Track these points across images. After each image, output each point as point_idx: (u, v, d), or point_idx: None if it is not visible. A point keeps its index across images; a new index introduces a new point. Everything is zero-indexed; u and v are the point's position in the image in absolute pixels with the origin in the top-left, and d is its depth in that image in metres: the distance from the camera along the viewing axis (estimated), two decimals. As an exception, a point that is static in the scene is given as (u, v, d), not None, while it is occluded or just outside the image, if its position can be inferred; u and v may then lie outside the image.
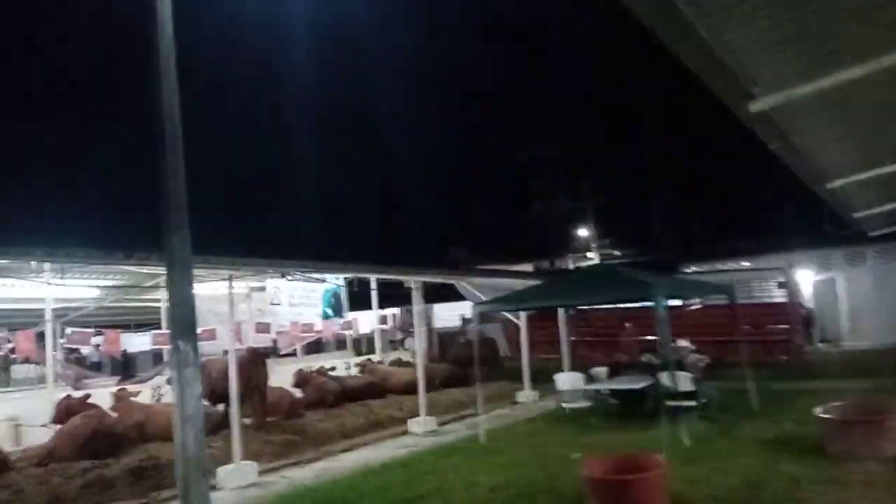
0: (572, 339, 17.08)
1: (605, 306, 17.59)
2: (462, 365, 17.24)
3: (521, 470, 8.80)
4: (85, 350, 16.08)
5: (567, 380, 12.98)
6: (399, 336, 21.91)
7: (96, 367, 17.33)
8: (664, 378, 10.49)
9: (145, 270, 14.12)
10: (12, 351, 12.71)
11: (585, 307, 17.14)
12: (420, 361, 13.70)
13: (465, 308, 23.56)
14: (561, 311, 16.51)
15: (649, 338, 15.87)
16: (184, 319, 6.91)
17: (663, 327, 9.61)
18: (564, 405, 12.69)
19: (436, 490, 8.23)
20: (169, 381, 12.48)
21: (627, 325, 17.19)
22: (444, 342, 21.56)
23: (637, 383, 11.95)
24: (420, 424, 12.78)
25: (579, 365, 15.33)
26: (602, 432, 11.00)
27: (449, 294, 21.39)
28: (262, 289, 16.49)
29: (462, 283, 17.13)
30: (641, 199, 35.98)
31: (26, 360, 15.43)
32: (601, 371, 13.51)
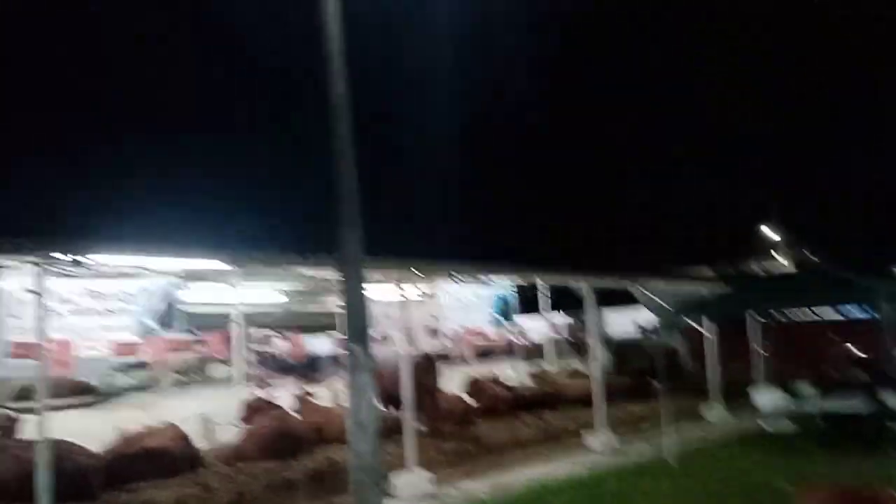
0: (766, 351, 15.44)
1: (807, 315, 15.76)
2: (641, 377, 16.14)
3: (722, 500, 7.83)
4: (272, 352, 16.89)
5: (767, 397, 11.61)
6: (570, 342, 21.10)
7: (283, 369, 18.14)
8: (891, 398, 8.99)
9: (324, 274, 14.57)
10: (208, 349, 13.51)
11: (783, 316, 15.43)
12: (597, 372, 12.91)
13: (639, 315, 22.27)
14: (752, 320, 14.97)
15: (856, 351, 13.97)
16: (357, 323, 6.77)
17: (892, 337, 8.21)
18: (764, 425, 11.35)
19: (624, 516, 7.50)
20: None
21: (833, 335, 15.27)
22: (619, 352, 20.45)
23: (854, 403, 10.39)
24: (598, 440, 12.00)
25: (776, 380, 13.77)
26: (812, 459, 9.65)
27: (621, 300, 20.28)
28: (433, 294, 16.43)
29: (639, 289, 16.08)
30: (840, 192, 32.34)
31: (220, 361, 16.44)
32: (806, 388, 11.96)
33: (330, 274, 12.92)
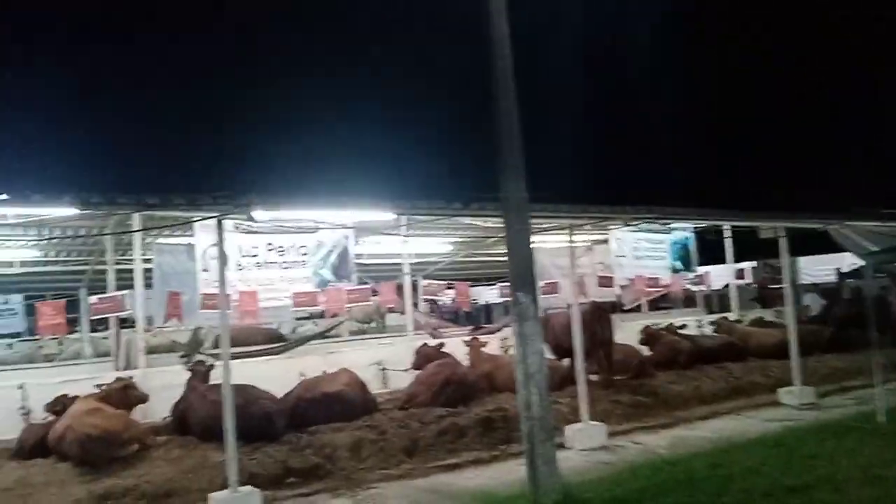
0: None
1: None
2: (843, 327, 14.51)
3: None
4: (442, 301, 17.14)
5: None
6: (759, 290, 19.47)
7: (453, 318, 18.40)
8: None
9: (489, 224, 14.36)
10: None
11: None
12: (791, 321, 11.70)
13: (839, 261, 20.02)
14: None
15: None
16: (522, 271, 6.44)
17: None
18: None
19: (825, 480, 6.66)
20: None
21: None
22: (818, 300, 18.57)
23: None
24: (794, 395, 10.92)
25: None
26: None
27: (815, 245, 18.25)
28: (605, 241, 15.68)
29: (841, 231, 14.30)
30: None
31: (392, 310, 16.93)
32: None
33: (497, 221, 12.79)
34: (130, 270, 13.55)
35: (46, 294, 15.41)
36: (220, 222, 7.02)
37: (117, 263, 13.30)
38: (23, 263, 14.30)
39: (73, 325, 21.38)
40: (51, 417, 8.42)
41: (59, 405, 8.38)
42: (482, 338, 12.22)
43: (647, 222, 11.86)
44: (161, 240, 13.59)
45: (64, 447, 7.58)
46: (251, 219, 6.73)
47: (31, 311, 17.29)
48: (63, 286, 15.85)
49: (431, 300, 16.62)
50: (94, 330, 16.88)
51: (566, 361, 11.35)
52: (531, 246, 6.34)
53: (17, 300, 18.10)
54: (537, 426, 6.25)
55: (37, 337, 22.69)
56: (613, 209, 9.75)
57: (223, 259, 7.06)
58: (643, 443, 9.21)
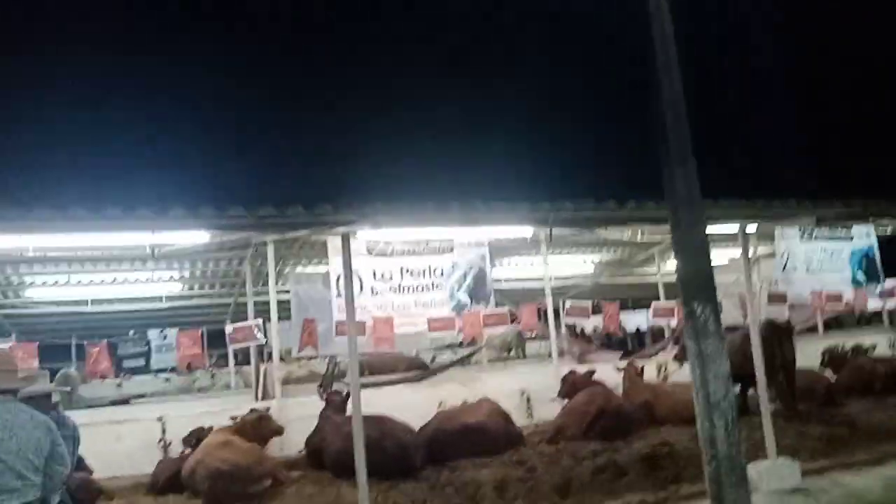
0: None
1: None
2: None
3: None
4: (587, 327, 15.99)
5: None
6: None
7: (600, 343, 17.14)
8: None
9: (640, 239, 13.14)
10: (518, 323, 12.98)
11: None
12: None
13: None
14: None
15: None
16: (697, 276, 5.32)
17: None
18: None
19: None
20: (679, 357, 11.21)
21: None
22: None
23: None
24: None
25: None
26: None
27: None
28: (771, 255, 14.02)
29: None
30: None
31: (533, 335, 15.96)
32: None
33: (652, 236, 11.53)
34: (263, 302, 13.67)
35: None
36: (346, 239, 6.42)
37: (257, 294, 13.30)
38: (168, 298, 14.67)
39: (223, 357, 22.13)
40: (187, 451, 8.16)
41: (194, 438, 8.10)
42: (638, 364, 10.96)
43: (832, 224, 10.20)
44: (299, 269, 13.52)
45: (195, 482, 7.22)
46: (376, 224, 6.00)
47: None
48: (209, 319, 16.18)
49: (575, 324, 15.50)
50: (246, 362, 17.20)
51: (737, 388, 9.94)
52: (707, 245, 5.22)
53: (174, 335, 18.87)
54: (725, 466, 5.08)
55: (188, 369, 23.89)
56: (804, 208, 8.08)
57: (349, 280, 6.45)
58: (846, 484, 7.64)
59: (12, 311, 13.62)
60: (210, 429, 8.19)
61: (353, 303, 6.49)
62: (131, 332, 23.56)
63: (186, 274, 13.69)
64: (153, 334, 21.13)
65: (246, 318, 12.93)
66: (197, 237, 8.40)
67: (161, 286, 13.94)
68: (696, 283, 5.14)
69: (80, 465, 7.90)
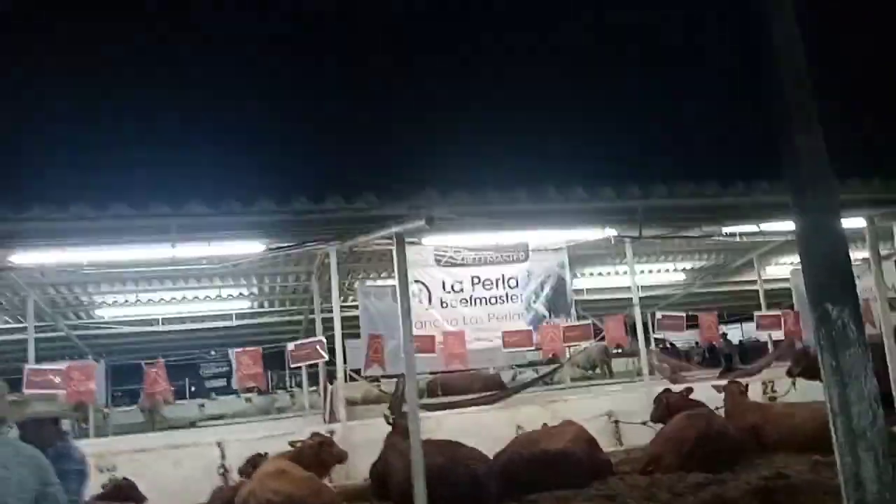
0: None
1: None
2: None
3: None
4: (677, 342, 14.73)
5: None
6: None
7: (696, 359, 15.78)
8: None
9: (738, 245, 11.89)
10: (602, 339, 11.91)
11: None
12: None
13: None
14: None
15: None
16: (832, 273, 4.25)
17: None
18: None
19: None
20: (791, 373, 9.91)
21: None
22: None
23: None
24: None
25: None
26: None
27: None
28: (890, 255, 12.43)
29: None
30: None
31: (620, 350, 14.78)
32: None
33: (753, 238, 10.28)
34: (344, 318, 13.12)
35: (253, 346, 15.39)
36: (399, 241, 5.64)
37: (327, 311, 12.75)
38: (239, 315, 14.35)
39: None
40: (243, 479, 7.55)
41: (251, 466, 7.49)
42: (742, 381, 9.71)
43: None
44: (368, 282, 12.93)
45: (248, 515, 6.56)
46: (429, 221, 5.14)
47: (267, 366, 17.66)
48: (281, 337, 15.82)
49: (667, 338, 14.27)
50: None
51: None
52: (842, 232, 4.15)
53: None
54: (877, 512, 3.97)
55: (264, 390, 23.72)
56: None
57: (404, 287, 5.67)
58: None
59: (85, 333, 13.57)
60: (265, 455, 7.55)
61: (410, 314, 5.74)
62: (212, 353, 23.67)
63: (255, 290, 13.32)
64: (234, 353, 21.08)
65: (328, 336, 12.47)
66: (250, 248, 7.94)
67: (230, 303, 13.62)
68: (831, 281, 4.08)
69: (131, 494, 7.45)
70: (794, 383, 9.71)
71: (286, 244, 7.31)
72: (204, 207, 4.95)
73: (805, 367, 9.43)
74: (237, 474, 7.79)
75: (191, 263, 8.60)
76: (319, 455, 7.87)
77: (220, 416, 19.89)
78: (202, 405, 24.60)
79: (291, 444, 7.91)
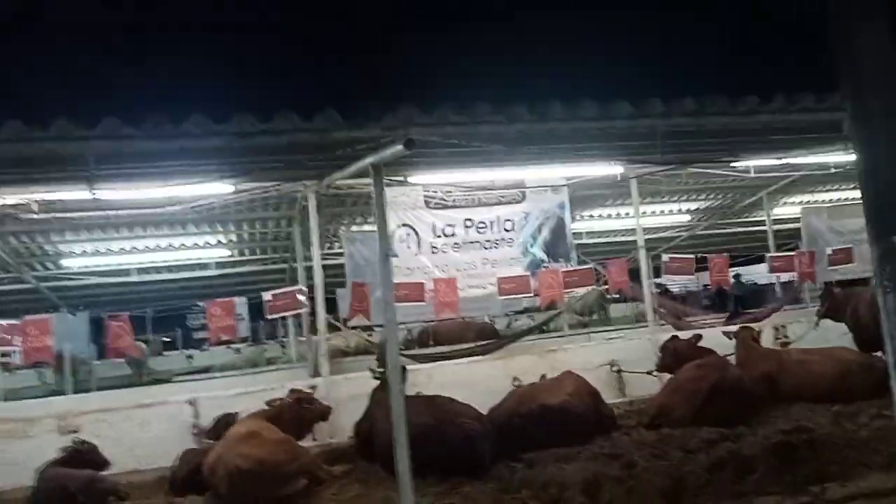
0: None
1: None
2: None
3: None
4: (686, 283, 14.07)
5: None
6: None
7: (703, 304, 15.15)
8: None
9: (746, 182, 11.12)
10: (605, 284, 11.23)
11: None
12: None
13: None
14: None
15: None
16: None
17: None
18: None
19: None
20: (824, 313, 9.25)
21: None
22: None
23: None
24: None
25: None
26: None
27: None
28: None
29: None
30: None
31: (619, 294, 14.15)
32: None
33: (763, 174, 9.51)
34: (328, 266, 12.40)
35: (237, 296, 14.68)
36: (377, 170, 4.81)
37: (308, 259, 12.02)
38: (218, 264, 13.61)
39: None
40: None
41: (222, 426, 6.84)
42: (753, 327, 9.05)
43: None
44: (354, 227, 12.19)
45: (216, 482, 5.93)
46: (410, 143, 4.29)
47: (254, 317, 16.99)
48: (266, 287, 15.15)
49: (671, 282, 13.62)
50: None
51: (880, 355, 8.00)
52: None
53: (244, 305, 17.98)
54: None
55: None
56: None
57: (382, 221, 4.90)
58: None
59: (57, 285, 12.83)
60: (235, 416, 6.91)
61: (389, 258, 4.97)
62: (198, 304, 23.00)
63: (234, 238, 12.55)
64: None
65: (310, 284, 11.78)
66: (219, 189, 7.17)
67: (208, 252, 12.86)
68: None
69: (91, 459, 6.82)
70: (816, 324, 9.10)
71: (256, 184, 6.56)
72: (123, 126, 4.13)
73: (828, 307, 8.83)
74: (208, 435, 7.15)
75: (157, 206, 7.78)
76: (299, 413, 7.23)
77: (208, 369, 19.39)
78: (190, 357, 24.14)
79: (268, 403, 7.25)
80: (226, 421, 6.98)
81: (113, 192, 5.28)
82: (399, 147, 4.08)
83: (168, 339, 28.05)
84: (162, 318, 25.31)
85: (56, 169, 4.68)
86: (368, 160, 4.55)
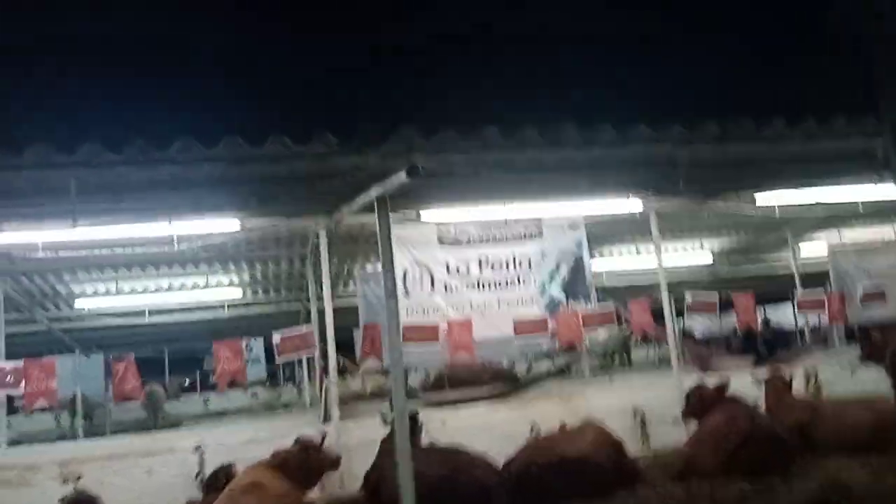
0: None
1: None
2: None
3: None
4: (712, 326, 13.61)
5: None
6: None
7: (730, 347, 14.61)
8: None
9: (770, 221, 10.77)
10: (628, 324, 10.83)
11: None
12: None
13: None
14: None
15: None
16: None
17: None
18: None
19: None
20: (870, 356, 8.78)
21: None
22: None
23: None
24: None
25: None
26: None
27: None
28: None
29: None
30: None
31: (644, 338, 13.72)
32: None
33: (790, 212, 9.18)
34: (344, 307, 12.13)
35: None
36: (382, 204, 4.58)
37: (321, 300, 11.79)
38: (231, 305, 13.42)
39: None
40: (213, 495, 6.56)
41: (221, 479, 6.51)
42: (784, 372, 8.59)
43: None
44: (369, 267, 11.97)
45: (216, 537, 5.60)
46: (413, 170, 4.02)
47: (269, 359, 16.71)
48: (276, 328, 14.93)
49: (696, 324, 13.17)
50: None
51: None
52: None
53: (259, 347, 17.72)
54: None
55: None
56: None
57: (387, 258, 4.64)
58: None
59: (70, 326, 12.70)
60: (230, 467, 6.59)
61: (395, 293, 4.72)
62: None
63: (246, 277, 12.37)
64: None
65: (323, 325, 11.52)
66: (222, 226, 6.99)
67: (221, 292, 12.67)
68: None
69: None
70: (853, 371, 8.65)
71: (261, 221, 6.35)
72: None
73: (868, 351, 8.39)
74: (204, 489, 6.83)
75: (162, 244, 7.61)
76: (306, 462, 6.88)
77: (224, 412, 19.09)
78: (207, 400, 23.79)
79: (274, 453, 6.92)
80: (224, 473, 6.65)
81: (110, 230, 5.08)
82: (402, 175, 3.83)
83: (189, 382, 27.80)
84: (180, 361, 25.13)
85: (38, 202, 4.49)
86: (373, 192, 4.32)
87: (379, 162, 4.15)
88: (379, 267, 11.78)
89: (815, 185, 6.44)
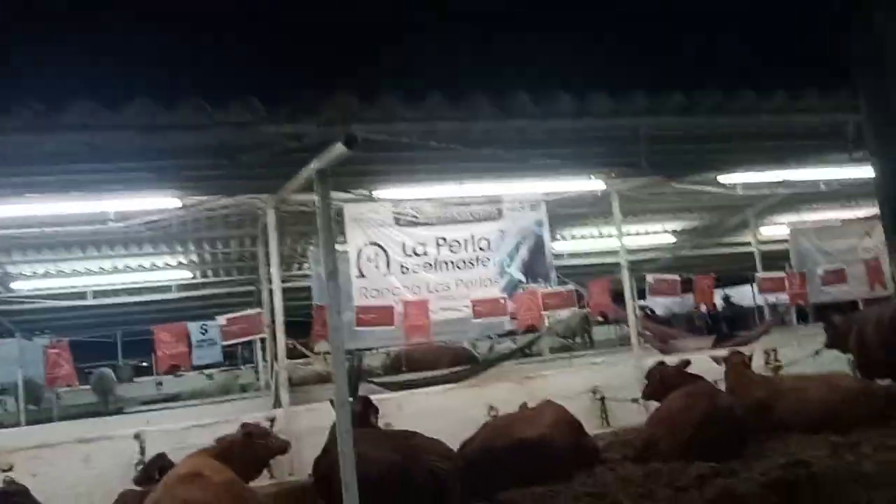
0: None
1: None
2: None
3: None
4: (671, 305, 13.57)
5: None
6: None
7: (689, 327, 14.64)
8: None
9: (733, 201, 10.68)
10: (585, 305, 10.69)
11: None
12: None
13: None
14: None
15: None
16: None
17: None
18: None
19: None
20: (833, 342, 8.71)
21: None
22: None
23: None
24: None
25: None
26: None
27: None
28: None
29: None
30: None
31: (603, 318, 13.61)
32: None
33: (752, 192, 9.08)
34: (297, 287, 11.74)
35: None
36: (323, 178, 4.23)
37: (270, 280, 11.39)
38: (179, 287, 12.92)
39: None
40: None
41: (156, 469, 6.16)
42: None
43: None
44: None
45: (152, 530, 5.25)
46: (351, 140, 3.68)
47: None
48: (229, 310, 14.46)
49: (655, 304, 13.11)
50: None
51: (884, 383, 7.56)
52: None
53: (215, 330, 17.21)
54: None
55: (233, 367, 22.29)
56: None
57: (328, 234, 4.31)
58: None
59: (8, 308, 12.08)
60: (165, 455, 6.25)
61: (336, 276, 4.38)
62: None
63: (195, 258, 11.88)
64: (192, 328, 19.68)
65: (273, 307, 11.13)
66: (164, 203, 6.60)
67: (168, 273, 12.17)
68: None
69: (20, 500, 6.10)
70: (817, 353, 8.62)
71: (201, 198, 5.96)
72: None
73: (831, 337, 8.36)
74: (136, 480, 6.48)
75: (95, 222, 7.17)
76: (251, 449, 6.55)
77: (178, 396, 18.57)
78: (160, 383, 23.15)
79: (218, 440, 6.58)
80: (159, 463, 6.29)
81: (30, 207, 4.65)
82: (340, 146, 3.49)
83: (144, 365, 27.07)
84: (133, 344, 24.40)
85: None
86: (312, 165, 3.97)
87: (314, 131, 3.76)
88: (337, 246, 11.47)
89: (782, 163, 6.27)
